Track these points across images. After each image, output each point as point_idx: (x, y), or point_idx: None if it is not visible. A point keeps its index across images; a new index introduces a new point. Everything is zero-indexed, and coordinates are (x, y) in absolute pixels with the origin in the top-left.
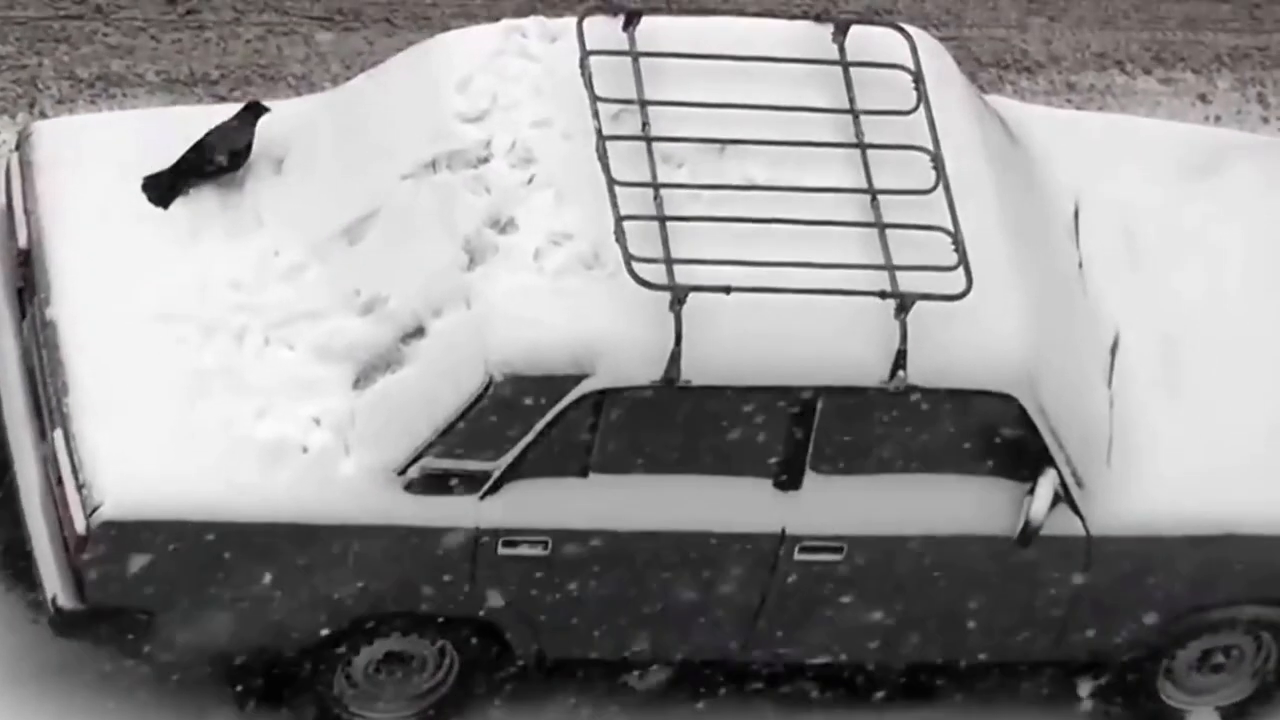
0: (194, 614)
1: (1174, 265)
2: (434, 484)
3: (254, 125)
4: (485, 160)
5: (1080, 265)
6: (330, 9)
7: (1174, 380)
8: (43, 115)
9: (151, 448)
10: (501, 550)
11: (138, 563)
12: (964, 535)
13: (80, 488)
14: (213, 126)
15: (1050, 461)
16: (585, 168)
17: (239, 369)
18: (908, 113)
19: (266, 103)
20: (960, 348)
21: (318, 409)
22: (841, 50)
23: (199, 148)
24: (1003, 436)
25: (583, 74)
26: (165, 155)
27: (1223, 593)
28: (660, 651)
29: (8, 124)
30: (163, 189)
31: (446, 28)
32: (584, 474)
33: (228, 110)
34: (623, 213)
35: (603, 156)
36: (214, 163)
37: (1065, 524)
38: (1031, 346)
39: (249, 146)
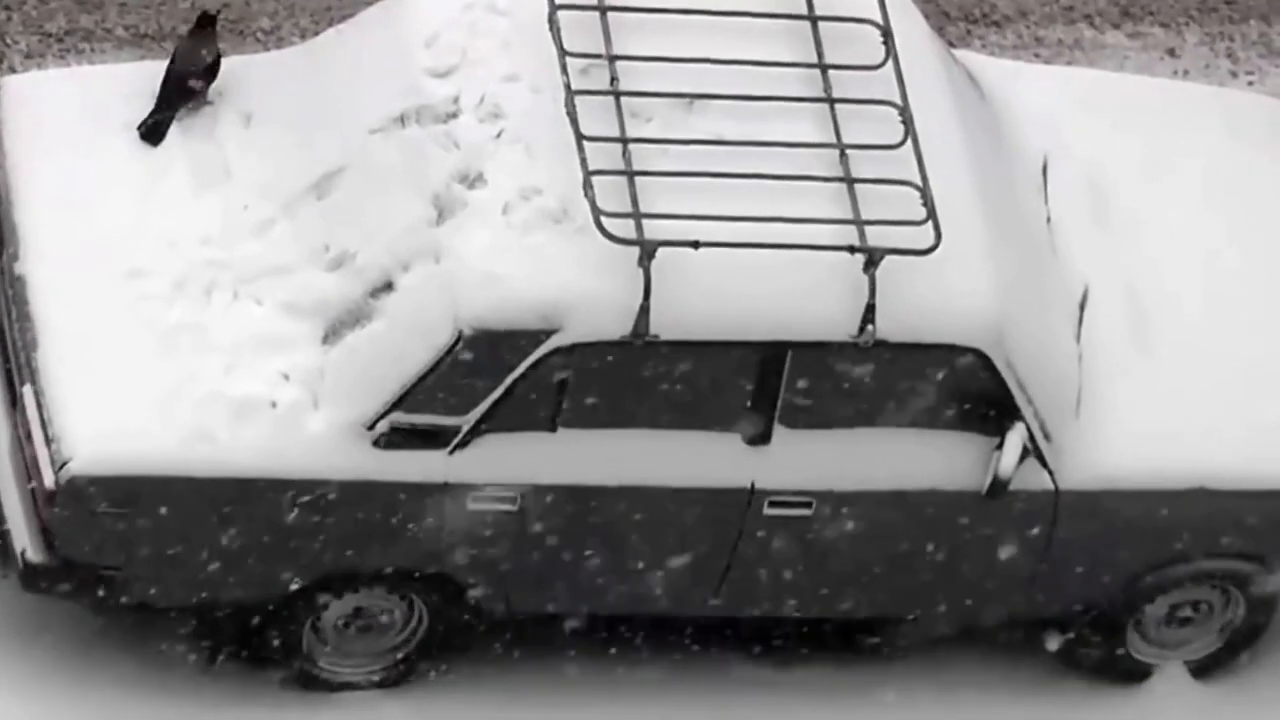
0: (162, 569)
1: (1142, 220)
2: (403, 439)
3: (214, 37)
4: (454, 115)
5: (1049, 220)
6: None
7: (1142, 335)
8: (11, 70)
9: (120, 403)
10: (470, 505)
11: (106, 517)
12: (933, 490)
13: (49, 443)
14: (173, 53)
15: (1019, 416)
16: (554, 123)
17: (208, 324)
18: (876, 67)
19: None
20: (929, 302)
21: (286, 364)
22: (810, 5)
23: (168, 78)
24: (971, 391)
25: (551, 29)
26: (134, 110)
27: (1191, 547)
28: (629, 606)
29: None
30: (157, 128)
31: None
32: (553, 429)
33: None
34: (591, 168)
35: (571, 111)
36: (188, 87)
37: (1034, 478)
38: (1000, 301)
39: (217, 60)
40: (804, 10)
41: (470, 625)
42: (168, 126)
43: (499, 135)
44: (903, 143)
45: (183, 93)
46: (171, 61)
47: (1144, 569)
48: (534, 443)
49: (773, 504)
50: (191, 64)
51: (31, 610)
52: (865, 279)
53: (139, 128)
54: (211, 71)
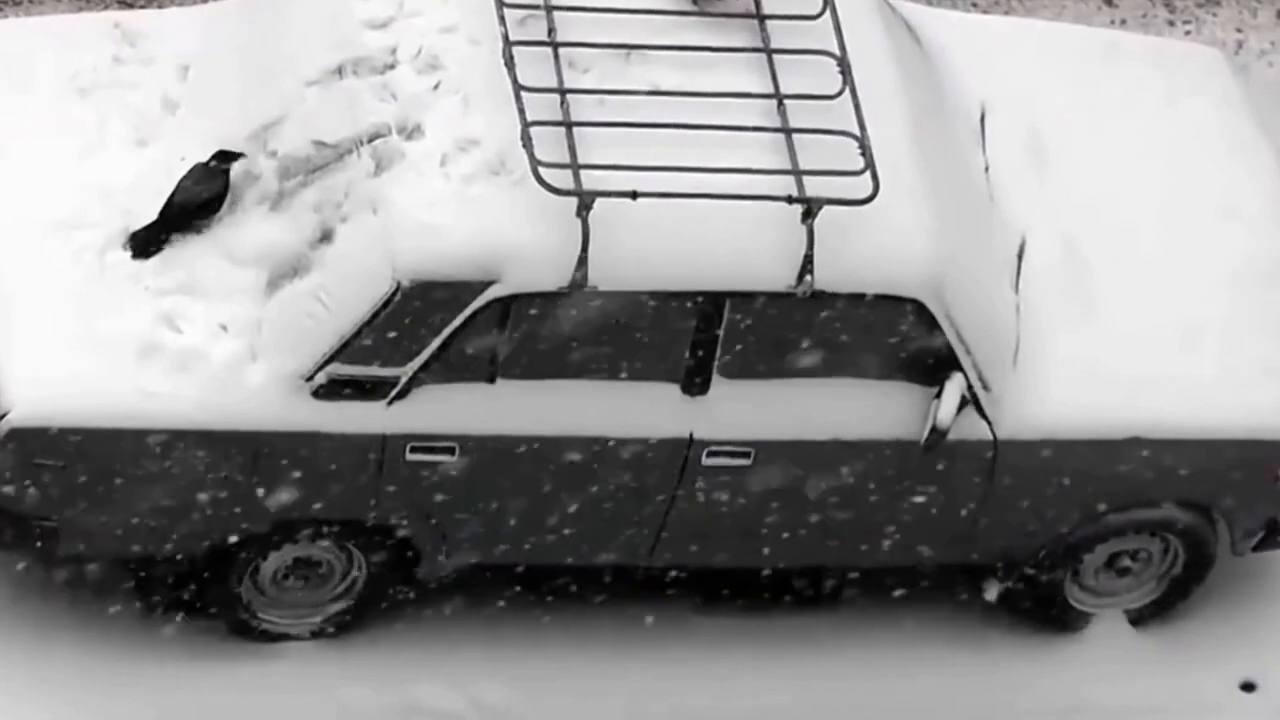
0: (101, 521)
1: (1080, 169)
2: (341, 390)
3: (226, 175)
4: (391, 67)
5: (986, 169)
6: None
7: (1080, 284)
8: None
9: (59, 355)
10: (409, 456)
11: (45, 469)
12: (871, 440)
13: None
14: (180, 180)
15: (957, 366)
16: (492, 74)
17: (145, 276)
18: (814, 17)
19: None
20: (867, 252)
21: (225, 315)
22: None
23: (170, 204)
24: (910, 341)
25: None
26: (72, 62)
27: (1129, 496)
28: (568, 557)
29: None
30: (145, 242)
31: None
32: (491, 379)
33: (134, 17)
34: (529, 118)
35: (509, 62)
36: (189, 212)
37: (972, 428)
38: (938, 251)
39: (220, 196)
40: None
41: (409, 576)
42: (156, 246)
43: (436, 87)
44: (840, 93)
45: (181, 222)
46: (176, 188)
47: (1082, 518)
48: (472, 393)
49: (711, 454)
50: (193, 197)
51: None
52: (803, 229)
53: (129, 238)
54: (209, 206)
